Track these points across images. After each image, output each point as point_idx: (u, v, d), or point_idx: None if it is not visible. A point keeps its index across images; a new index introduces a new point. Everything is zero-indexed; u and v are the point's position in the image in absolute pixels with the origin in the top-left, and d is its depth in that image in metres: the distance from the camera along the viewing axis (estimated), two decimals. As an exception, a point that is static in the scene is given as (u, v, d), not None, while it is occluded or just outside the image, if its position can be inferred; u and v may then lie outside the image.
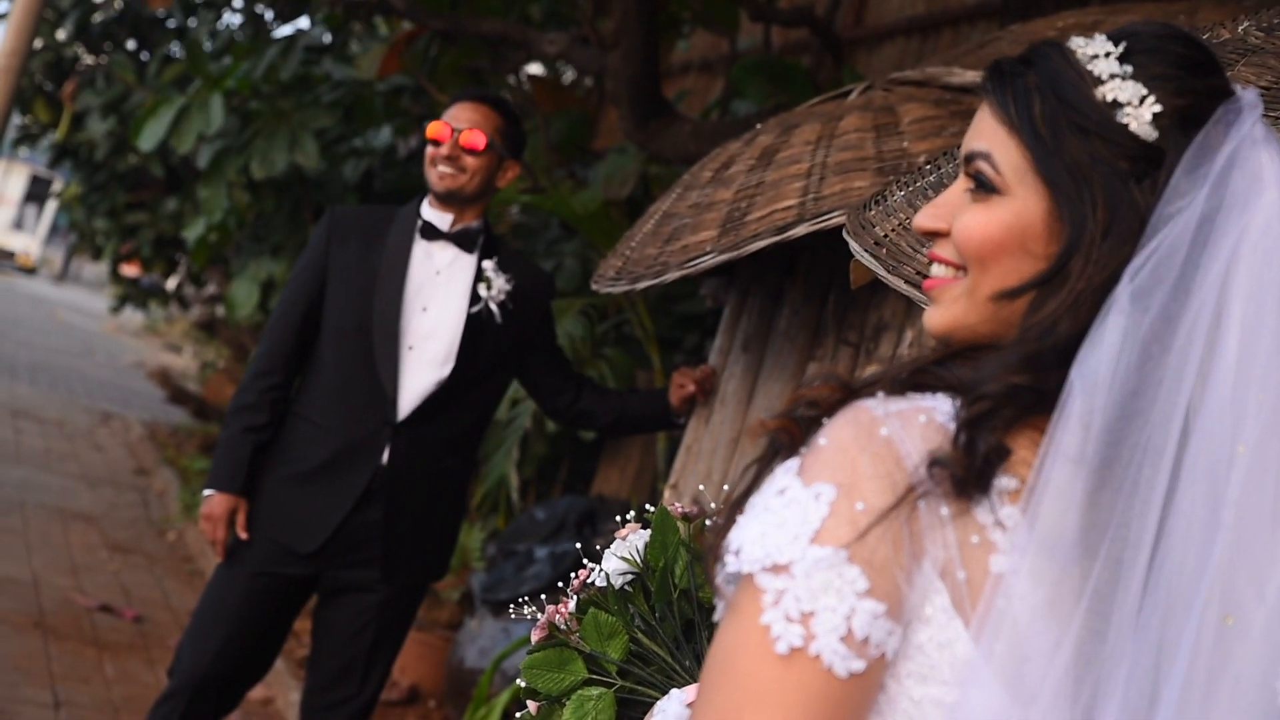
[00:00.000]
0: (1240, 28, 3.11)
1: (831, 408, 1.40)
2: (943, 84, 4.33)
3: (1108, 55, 1.45)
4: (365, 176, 11.50)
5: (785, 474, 1.36)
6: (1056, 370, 1.35)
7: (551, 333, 5.29)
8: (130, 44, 14.30)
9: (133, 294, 19.34)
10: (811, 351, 4.72)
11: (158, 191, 14.80)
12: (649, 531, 2.94)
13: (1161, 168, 1.41)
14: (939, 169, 3.25)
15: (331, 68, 10.98)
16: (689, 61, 10.42)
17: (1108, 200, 1.39)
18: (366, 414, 4.82)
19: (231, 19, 13.35)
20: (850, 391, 1.41)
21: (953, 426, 1.33)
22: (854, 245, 3.21)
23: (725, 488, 3.05)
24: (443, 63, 8.85)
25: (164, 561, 10.30)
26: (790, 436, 1.40)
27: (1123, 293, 1.34)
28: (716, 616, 1.39)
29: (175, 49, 13.63)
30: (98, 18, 12.97)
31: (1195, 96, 1.44)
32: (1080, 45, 1.48)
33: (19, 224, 48.04)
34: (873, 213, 3.26)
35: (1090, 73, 1.45)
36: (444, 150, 4.73)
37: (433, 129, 4.76)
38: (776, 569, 1.29)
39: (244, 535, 4.93)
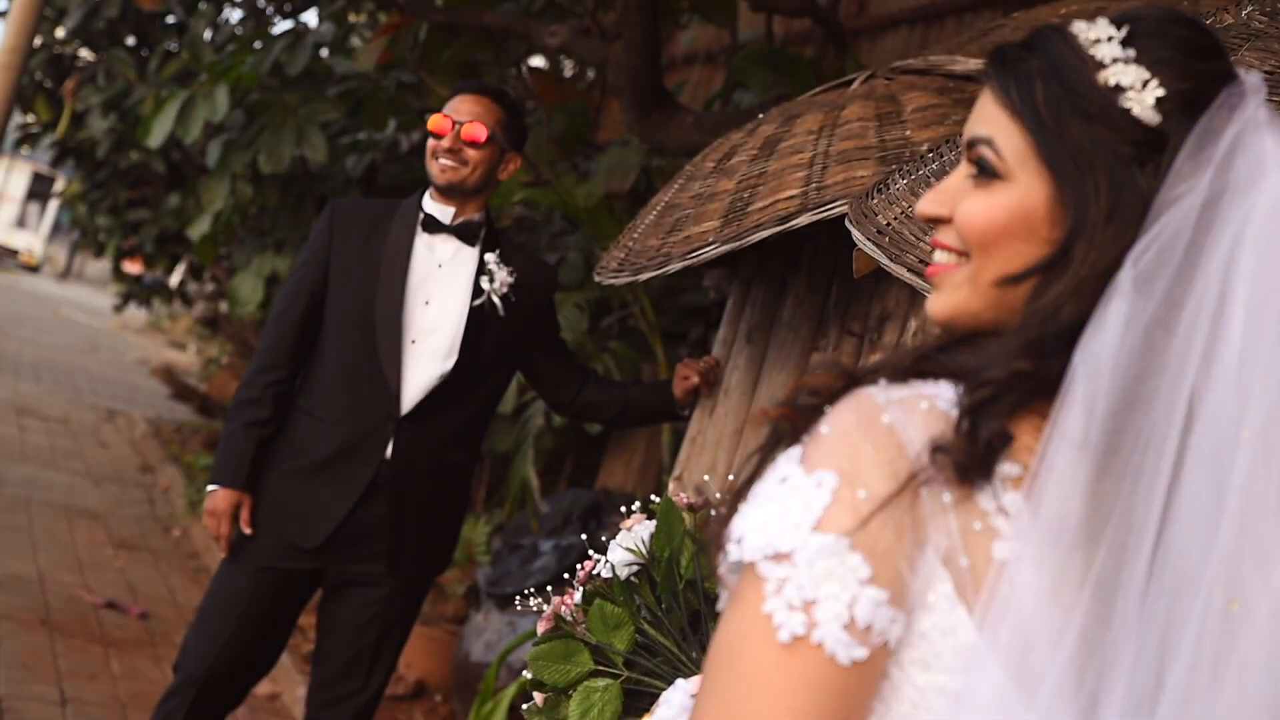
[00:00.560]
0: (1244, 12, 3.10)
1: (834, 396, 1.39)
2: (945, 72, 4.32)
3: (1110, 39, 1.45)
4: (368, 170, 11.49)
5: (787, 462, 1.35)
6: (1059, 356, 1.35)
7: (555, 326, 5.28)
8: (130, 41, 14.29)
9: (136, 291, 19.34)
10: (815, 342, 4.71)
11: (159, 188, 14.80)
12: (654, 523, 2.93)
13: (1165, 152, 1.40)
14: (941, 157, 3.24)
15: (334, 61, 10.98)
16: (692, 53, 10.41)
17: (1111, 185, 1.38)
18: (370, 408, 4.80)
19: (232, 14, 13.34)
20: (852, 379, 1.41)
21: (955, 413, 1.33)
22: (856, 234, 3.21)
23: (729, 478, 3.05)
24: (443, 56, 8.84)
25: (169, 558, 10.31)
26: (793, 425, 1.40)
27: (1126, 278, 1.33)
28: (720, 606, 1.38)
29: (175, 46, 13.62)
30: (99, 19, 12.96)
31: (1199, 80, 1.43)
32: (1082, 30, 1.47)
33: (22, 222, 48.07)
34: (875, 201, 3.25)
35: (1093, 57, 1.44)
36: (445, 143, 4.73)
37: (434, 122, 4.75)
38: (778, 557, 1.28)
39: (248, 531, 4.93)
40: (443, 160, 4.75)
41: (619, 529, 3.04)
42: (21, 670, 7.04)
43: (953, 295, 1.52)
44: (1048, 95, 1.44)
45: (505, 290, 4.84)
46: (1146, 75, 1.41)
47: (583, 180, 8.57)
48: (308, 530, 4.93)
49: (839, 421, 1.34)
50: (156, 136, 10.14)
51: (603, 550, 3.07)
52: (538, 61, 10.55)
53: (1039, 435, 1.33)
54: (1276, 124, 1.37)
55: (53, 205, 44.25)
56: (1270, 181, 1.32)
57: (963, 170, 1.55)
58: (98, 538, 10.18)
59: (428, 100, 10.32)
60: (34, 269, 44.14)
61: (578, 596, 2.95)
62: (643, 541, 2.91)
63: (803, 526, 1.29)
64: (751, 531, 1.32)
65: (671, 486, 4.99)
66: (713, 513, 2.76)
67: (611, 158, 8.03)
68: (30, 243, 45.43)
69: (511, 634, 7.07)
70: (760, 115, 4.99)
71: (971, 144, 1.52)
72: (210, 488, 4.99)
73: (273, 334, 5.00)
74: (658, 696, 2.37)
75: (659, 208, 4.75)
